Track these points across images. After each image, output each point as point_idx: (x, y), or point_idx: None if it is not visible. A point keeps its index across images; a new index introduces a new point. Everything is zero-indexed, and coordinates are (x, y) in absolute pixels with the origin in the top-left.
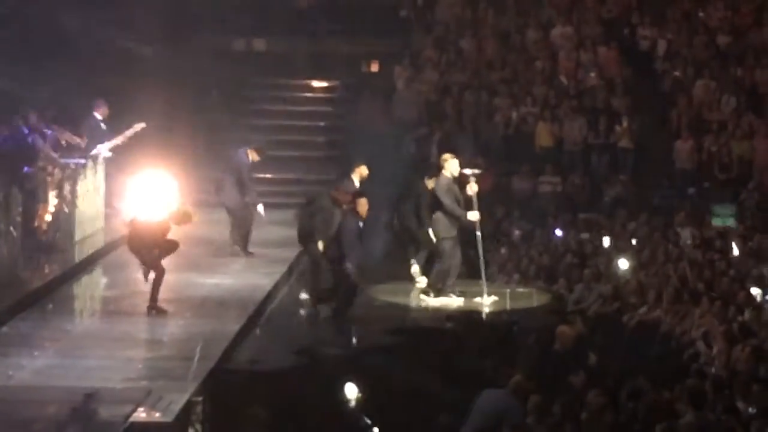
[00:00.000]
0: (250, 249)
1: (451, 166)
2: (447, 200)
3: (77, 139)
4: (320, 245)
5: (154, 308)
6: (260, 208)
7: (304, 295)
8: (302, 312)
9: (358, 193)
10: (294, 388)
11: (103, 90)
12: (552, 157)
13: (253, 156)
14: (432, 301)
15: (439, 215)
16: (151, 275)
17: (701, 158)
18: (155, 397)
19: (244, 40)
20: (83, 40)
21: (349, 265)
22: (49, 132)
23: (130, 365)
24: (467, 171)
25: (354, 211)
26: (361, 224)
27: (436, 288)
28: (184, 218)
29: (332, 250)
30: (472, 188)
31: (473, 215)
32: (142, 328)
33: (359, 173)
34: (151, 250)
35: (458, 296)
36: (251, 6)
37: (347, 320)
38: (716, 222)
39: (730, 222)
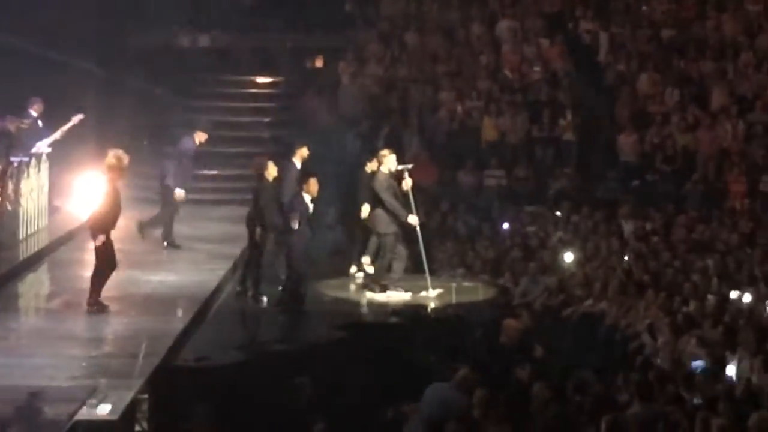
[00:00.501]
0: (196, 244)
1: (389, 161)
2: (386, 197)
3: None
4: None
5: (96, 304)
6: (179, 192)
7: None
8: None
9: (307, 174)
10: (239, 385)
11: (42, 87)
12: (497, 151)
13: (200, 138)
14: (377, 296)
15: (378, 211)
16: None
17: (645, 151)
18: (100, 394)
19: (188, 35)
20: (23, 40)
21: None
22: None
23: (75, 363)
24: (400, 167)
25: (303, 192)
26: (311, 205)
27: (380, 283)
28: (117, 162)
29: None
30: (406, 183)
31: (413, 219)
32: (88, 326)
33: (300, 155)
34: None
35: (404, 291)
36: (195, 1)
37: (294, 315)
38: None
39: None
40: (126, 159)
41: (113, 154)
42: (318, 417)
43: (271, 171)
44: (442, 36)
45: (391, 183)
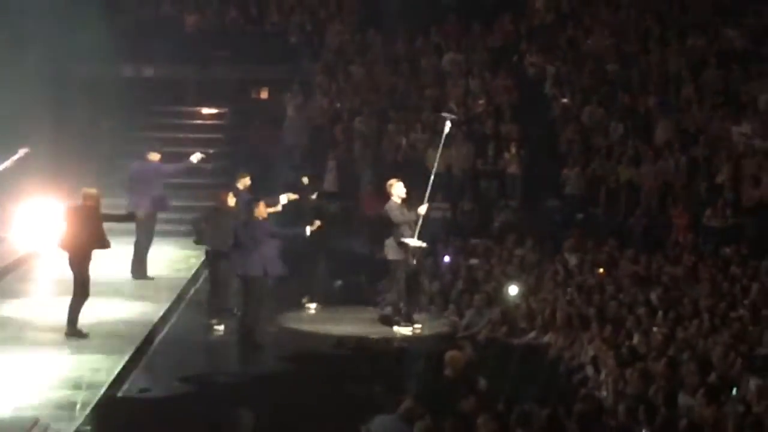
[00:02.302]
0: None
1: (398, 189)
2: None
3: None
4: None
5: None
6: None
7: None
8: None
9: (254, 199)
10: (183, 417)
11: None
12: (442, 183)
13: (153, 157)
14: (403, 330)
15: (388, 240)
16: None
17: (589, 184)
18: (43, 426)
19: (132, 66)
20: None
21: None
22: None
23: (18, 394)
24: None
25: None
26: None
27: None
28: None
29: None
30: (423, 209)
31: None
32: (30, 357)
33: (243, 183)
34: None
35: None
36: (139, 32)
37: (239, 346)
38: None
39: None
40: (98, 196)
41: (86, 193)
42: None
43: (230, 201)
44: (387, 68)
45: (403, 210)
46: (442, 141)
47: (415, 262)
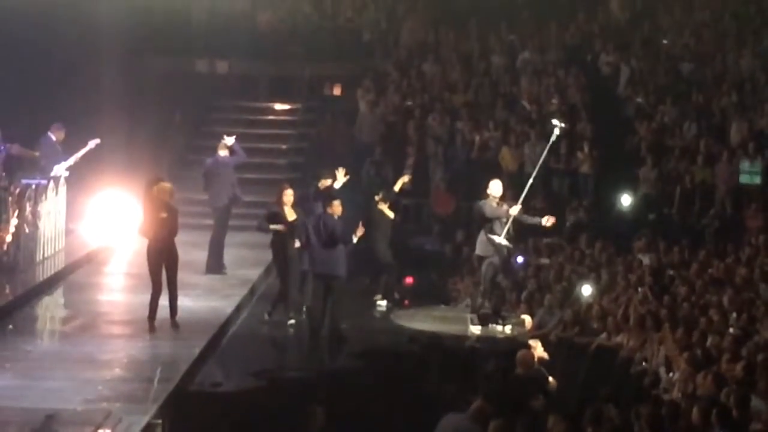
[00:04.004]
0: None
1: (493, 188)
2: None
3: (30, 153)
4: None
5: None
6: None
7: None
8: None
9: (331, 196)
10: (254, 411)
11: (64, 111)
12: (516, 181)
13: (223, 151)
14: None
15: (480, 236)
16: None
17: (663, 184)
18: (115, 418)
19: (206, 61)
20: (44, 60)
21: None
22: (1, 148)
23: (90, 387)
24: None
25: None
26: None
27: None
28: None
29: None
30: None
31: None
32: (103, 350)
33: (323, 184)
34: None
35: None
36: (214, 28)
37: (310, 342)
38: (743, 180)
39: (757, 180)
40: (172, 190)
41: (162, 187)
42: None
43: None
44: (460, 65)
45: (496, 207)
46: (547, 148)
47: (499, 260)
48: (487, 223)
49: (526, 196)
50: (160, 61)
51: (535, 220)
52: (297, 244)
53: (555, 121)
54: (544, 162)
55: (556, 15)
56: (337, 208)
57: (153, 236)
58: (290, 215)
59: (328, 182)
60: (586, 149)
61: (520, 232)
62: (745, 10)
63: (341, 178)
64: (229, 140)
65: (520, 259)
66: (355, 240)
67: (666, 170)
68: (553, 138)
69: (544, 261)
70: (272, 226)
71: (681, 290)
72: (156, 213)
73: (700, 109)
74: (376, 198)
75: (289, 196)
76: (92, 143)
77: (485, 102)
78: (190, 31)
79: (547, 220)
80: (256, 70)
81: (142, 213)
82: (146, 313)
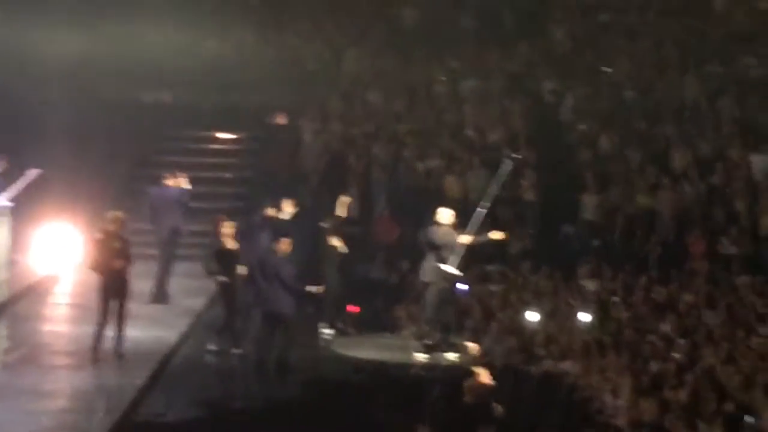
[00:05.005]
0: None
1: (441, 215)
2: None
3: None
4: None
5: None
6: None
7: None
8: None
9: (280, 234)
10: None
11: (7, 142)
12: (460, 209)
13: (171, 182)
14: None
15: (426, 262)
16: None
17: (606, 211)
18: None
19: (151, 91)
20: None
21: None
22: None
23: (33, 418)
24: None
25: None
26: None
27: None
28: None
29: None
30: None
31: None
32: (46, 380)
33: (270, 212)
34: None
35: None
36: (159, 58)
37: (256, 372)
38: None
39: None
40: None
41: (115, 217)
42: None
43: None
44: (405, 94)
45: (445, 235)
46: (499, 180)
47: (444, 287)
48: (435, 251)
49: (474, 224)
50: (104, 91)
51: (484, 237)
52: (243, 271)
53: (511, 155)
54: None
55: (499, 43)
56: (284, 246)
57: (106, 267)
58: (230, 244)
59: (271, 211)
60: (530, 177)
61: (468, 261)
62: (687, 38)
63: (289, 209)
64: (185, 183)
65: (464, 287)
66: (311, 288)
67: (609, 197)
68: (506, 169)
69: (492, 288)
70: (219, 279)
71: (625, 316)
72: (108, 244)
73: (643, 136)
74: (324, 225)
75: (227, 227)
76: (32, 173)
77: (429, 130)
78: (134, 61)
79: (495, 234)
80: (201, 100)
81: (93, 245)
82: (89, 343)
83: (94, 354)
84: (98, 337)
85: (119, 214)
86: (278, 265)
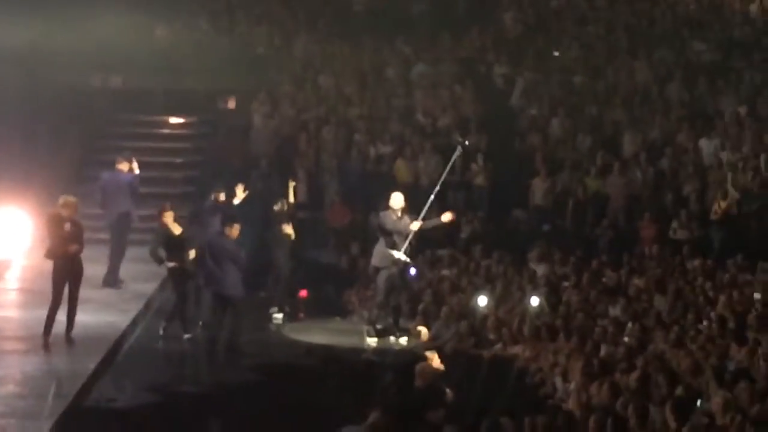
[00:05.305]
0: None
1: (393, 200)
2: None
3: None
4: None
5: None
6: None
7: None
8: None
9: (231, 218)
10: (150, 427)
11: None
12: (410, 194)
13: (124, 167)
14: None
15: (377, 247)
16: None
17: (556, 195)
18: None
19: (101, 76)
20: None
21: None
22: None
23: None
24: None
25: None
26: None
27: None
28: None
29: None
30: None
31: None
32: None
33: (218, 197)
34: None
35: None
36: (109, 42)
37: (206, 357)
38: None
39: None
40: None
41: (68, 202)
42: None
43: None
44: (355, 79)
45: (397, 221)
46: (449, 166)
47: (395, 272)
48: (386, 236)
49: (425, 209)
50: (55, 75)
51: (434, 221)
52: (192, 254)
53: (459, 139)
54: (438, 174)
55: (450, 28)
56: (234, 231)
57: (61, 252)
58: (176, 230)
59: (221, 196)
60: (480, 161)
61: (417, 246)
62: (637, 23)
63: (240, 194)
64: (135, 165)
65: (413, 271)
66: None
67: (559, 182)
68: (456, 155)
69: (444, 273)
70: (169, 264)
71: (575, 300)
72: (61, 228)
73: (593, 121)
74: (276, 208)
75: (168, 216)
76: None
77: (380, 115)
78: (85, 45)
79: (446, 216)
80: (152, 84)
81: (46, 230)
82: (41, 328)
83: (46, 339)
84: (50, 322)
85: (72, 198)
86: (227, 249)
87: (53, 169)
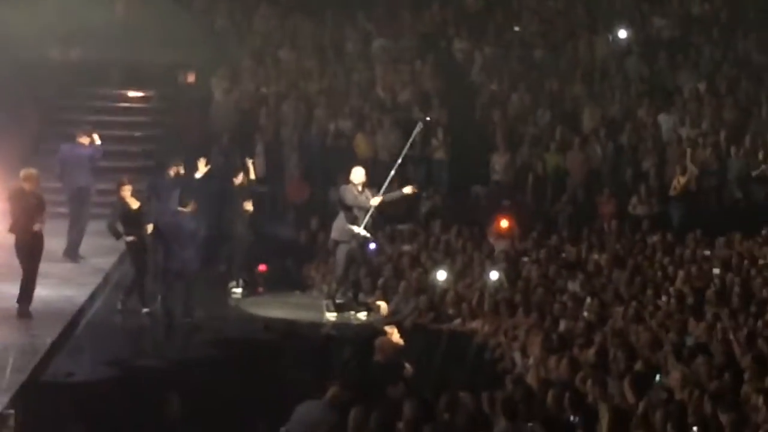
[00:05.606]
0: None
1: (355, 174)
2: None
3: None
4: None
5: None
6: None
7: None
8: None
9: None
10: (108, 401)
11: None
12: (371, 168)
13: (84, 140)
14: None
15: (337, 221)
16: None
17: (516, 171)
18: None
19: (59, 49)
20: None
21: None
22: None
23: None
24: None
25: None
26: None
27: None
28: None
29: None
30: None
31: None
32: None
33: (175, 171)
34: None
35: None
36: (67, 15)
37: (165, 331)
38: None
39: None
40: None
41: (29, 174)
42: None
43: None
44: (315, 53)
45: (358, 195)
46: (410, 142)
47: (354, 246)
48: (346, 210)
49: (385, 183)
50: (11, 47)
51: (396, 194)
52: (150, 229)
53: (420, 116)
54: (398, 149)
55: (410, 3)
56: (190, 207)
57: (24, 226)
58: (134, 205)
59: (180, 170)
60: (440, 136)
61: (378, 221)
62: None
63: (202, 168)
64: (97, 138)
65: (373, 246)
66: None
67: (519, 157)
68: (416, 131)
69: (405, 248)
70: (127, 239)
71: (534, 275)
72: (24, 202)
73: (553, 96)
74: (236, 182)
75: (126, 190)
76: None
77: (340, 90)
78: (42, 18)
79: (408, 189)
80: (110, 58)
81: (9, 206)
82: None
83: (24, 308)
84: (28, 293)
85: (33, 170)
86: (183, 228)
87: (10, 142)
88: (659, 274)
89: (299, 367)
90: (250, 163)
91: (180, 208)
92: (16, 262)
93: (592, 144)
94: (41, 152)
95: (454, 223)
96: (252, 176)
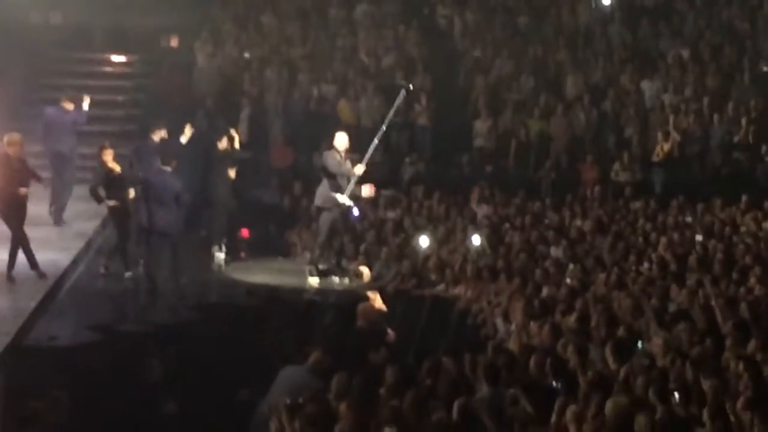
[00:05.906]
0: (48, 222)
1: (338, 140)
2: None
3: None
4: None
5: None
6: None
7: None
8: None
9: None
10: (91, 365)
11: None
12: (354, 134)
13: (68, 105)
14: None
15: (321, 188)
16: None
17: (499, 137)
18: None
19: (40, 12)
20: None
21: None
22: None
23: None
24: None
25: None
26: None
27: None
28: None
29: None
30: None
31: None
32: None
33: (159, 135)
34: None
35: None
36: None
37: (147, 295)
38: None
39: None
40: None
41: (12, 139)
42: (167, 398)
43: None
44: (298, 18)
45: (341, 162)
46: (393, 109)
47: (338, 212)
48: (330, 178)
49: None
50: None
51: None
52: (132, 194)
53: (403, 82)
54: (381, 115)
55: None
56: (172, 167)
57: (9, 190)
58: (116, 169)
59: (163, 134)
60: (423, 101)
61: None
62: None
63: (188, 132)
64: (86, 103)
65: (356, 212)
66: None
67: (502, 123)
68: (400, 99)
69: (389, 214)
70: (109, 203)
71: (517, 241)
72: (8, 168)
73: (537, 62)
74: (220, 147)
75: (108, 155)
76: None
77: (323, 55)
78: None
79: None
80: (92, 21)
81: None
82: None
83: (9, 272)
84: (14, 259)
85: (16, 135)
86: (168, 186)
87: None
88: (641, 240)
89: (281, 332)
90: (234, 132)
91: (162, 170)
92: (1, 228)
93: (576, 110)
94: (23, 116)
95: (436, 189)
96: (236, 145)
